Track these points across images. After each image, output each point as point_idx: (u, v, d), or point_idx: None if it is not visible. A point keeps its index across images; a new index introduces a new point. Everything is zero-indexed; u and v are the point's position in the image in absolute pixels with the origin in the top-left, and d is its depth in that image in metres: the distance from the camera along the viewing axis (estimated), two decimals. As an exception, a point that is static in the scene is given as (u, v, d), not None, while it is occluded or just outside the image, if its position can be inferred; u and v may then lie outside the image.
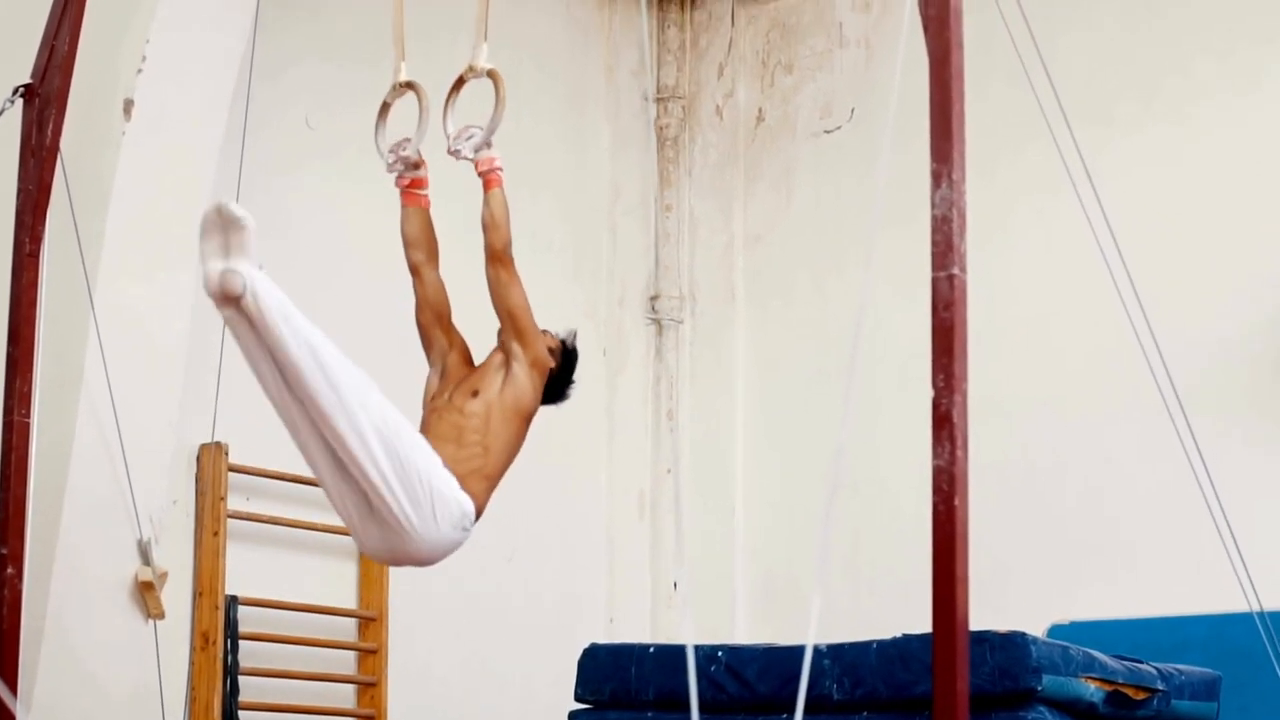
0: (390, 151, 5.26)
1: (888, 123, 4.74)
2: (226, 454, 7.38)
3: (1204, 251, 7.99)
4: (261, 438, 7.57)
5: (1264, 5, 8.04)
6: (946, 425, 3.95)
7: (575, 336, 5.50)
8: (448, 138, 5.20)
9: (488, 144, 5.15)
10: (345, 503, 4.74)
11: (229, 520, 7.38)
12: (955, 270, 4.05)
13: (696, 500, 9.41)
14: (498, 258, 5.14)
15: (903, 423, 8.01)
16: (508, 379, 5.14)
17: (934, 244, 4.08)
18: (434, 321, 5.31)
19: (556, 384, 5.39)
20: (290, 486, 7.69)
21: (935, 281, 4.07)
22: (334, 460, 4.59)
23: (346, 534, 7.78)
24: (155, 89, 6.28)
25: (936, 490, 3.93)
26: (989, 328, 8.21)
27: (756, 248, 9.51)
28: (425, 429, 5.05)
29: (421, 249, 5.29)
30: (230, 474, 7.41)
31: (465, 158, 5.16)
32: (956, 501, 3.90)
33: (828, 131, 9.28)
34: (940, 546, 3.90)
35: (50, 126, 5.59)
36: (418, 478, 4.67)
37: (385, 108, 5.35)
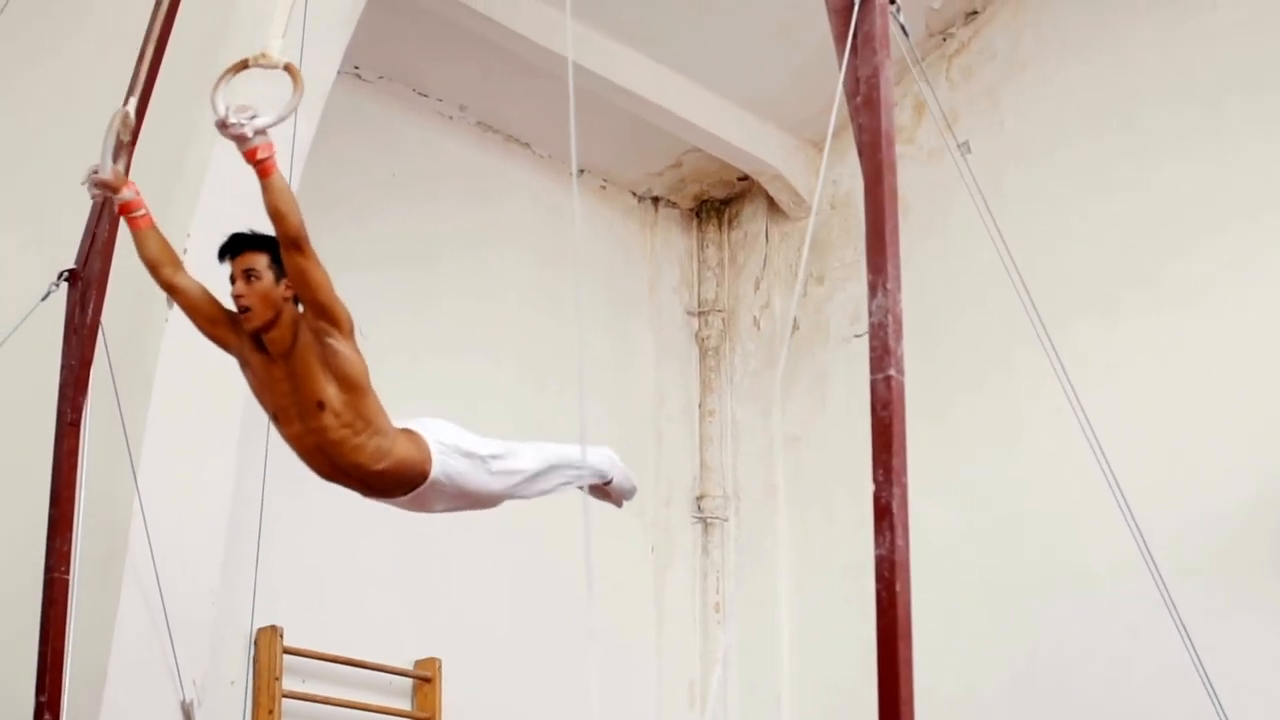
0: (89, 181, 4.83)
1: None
2: (282, 637, 7.39)
3: (1187, 437, 7.88)
4: (318, 622, 7.62)
5: (1226, 206, 8.04)
6: (887, 516, 3.90)
7: None
8: (216, 111, 4.42)
9: (264, 131, 4.42)
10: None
11: (284, 700, 7.36)
12: (892, 372, 4.01)
13: (745, 690, 9.27)
14: (293, 245, 4.53)
15: (930, 616, 7.84)
16: (334, 363, 4.70)
17: (872, 349, 4.04)
18: (213, 325, 4.87)
19: None
20: (343, 669, 7.68)
21: (874, 383, 4.02)
22: None
23: (399, 714, 7.81)
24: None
25: (879, 578, 3.87)
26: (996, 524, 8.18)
27: (795, 448, 9.50)
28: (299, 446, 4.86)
29: (167, 264, 4.87)
30: (286, 656, 7.41)
31: (241, 134, 4.39)
32: (899, 587, 3.84)
33: (858, 336, 9.27)
34: (884, 633, 3.83)
35: (91, 307, 5.74)
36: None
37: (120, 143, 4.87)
